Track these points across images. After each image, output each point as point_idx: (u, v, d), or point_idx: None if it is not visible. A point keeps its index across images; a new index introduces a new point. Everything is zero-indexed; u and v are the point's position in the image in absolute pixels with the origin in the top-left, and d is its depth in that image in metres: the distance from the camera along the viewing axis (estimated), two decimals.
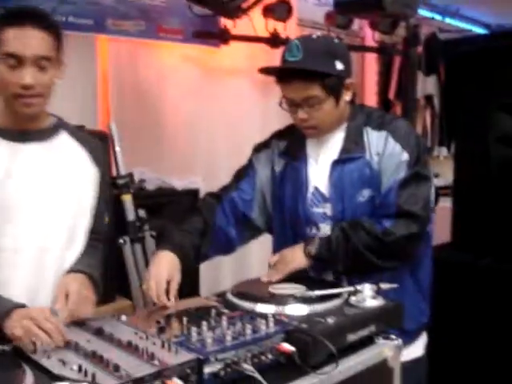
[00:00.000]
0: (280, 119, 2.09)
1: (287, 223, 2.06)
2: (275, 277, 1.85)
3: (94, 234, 1.84)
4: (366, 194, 1.91)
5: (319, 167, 2.00)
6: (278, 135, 2.14)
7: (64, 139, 1.81)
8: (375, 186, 1.91)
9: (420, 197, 1.88)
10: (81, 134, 1.89)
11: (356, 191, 1.91)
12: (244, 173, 2.12)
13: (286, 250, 1.92)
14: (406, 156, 1.88)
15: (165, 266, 1.80)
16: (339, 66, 1.87)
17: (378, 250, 1.84)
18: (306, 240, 1.91)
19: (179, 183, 3.57)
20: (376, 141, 1.92)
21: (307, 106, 1.88)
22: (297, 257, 1.88)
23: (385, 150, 1.90)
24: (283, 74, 1.89)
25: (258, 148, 2.15)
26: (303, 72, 1.83)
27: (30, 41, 1.61)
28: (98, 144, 1.93)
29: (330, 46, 1.90)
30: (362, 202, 1.91)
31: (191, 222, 2.03)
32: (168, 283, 1.75)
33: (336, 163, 1.95)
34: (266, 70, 1.93)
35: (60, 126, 1.82)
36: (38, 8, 1.74)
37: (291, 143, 2.07)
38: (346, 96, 1.93)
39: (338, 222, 1.93)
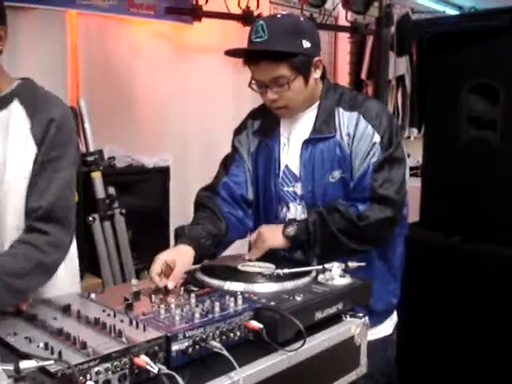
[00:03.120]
0: (253, 97, 2.08)
1: (260, 202, 2.06)
2: (254, 255, 1.85)
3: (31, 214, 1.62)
4: (336, 174, 1.91)
5: (291, 146, 2.00)
6: (253, 115, 2.13)
7: (13, 110, 1.67)
8: (346, 167, 1.91)
9: (394, 180, 1.89)
10: (38, 105, 1.71)
11: (326, 171, 1.92)
12: (231, 158, 2.11)
13: (264, 229, 1.91)
14: (377, 138, 1.88)
15: (171, 251, 1.76)
16: (306, 44, 1.85)
17: (354, 234, 1.85)
18: (286, 222, 1.92)
19: (149, 161, 3.54)
20: (347, 121, 1.92)
21: (276, 87, 1.86)
22: (275, 236, 1.87)
23: (356, 131, 1.90)
24: (250, 56, 1.87)
25: (238, 130, 2.14)
26: (270, 53, 1.81)
27: None
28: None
29: (296, 24, 1.88)
30: (332, 182, 1.92)
31: (199, 215, 1.98)
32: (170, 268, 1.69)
33: (306, 143, 1.94)
34: (232, 53, 1.91)
35: (16, 94, 1.69)
36: None
37: (265, 122, 2.07)
38: (315, 74, 1.92)
39: (307, 201, 1.94)
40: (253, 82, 1.91)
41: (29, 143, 1.62)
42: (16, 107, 1.67)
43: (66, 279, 1.75)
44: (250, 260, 1.83)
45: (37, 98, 1.69)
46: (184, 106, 4.05)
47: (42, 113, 1.65)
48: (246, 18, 4.06)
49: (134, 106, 3.79)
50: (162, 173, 3.55)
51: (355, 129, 1.90)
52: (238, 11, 4.10)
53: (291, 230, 1.86)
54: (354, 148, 1.90)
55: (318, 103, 1.98)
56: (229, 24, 4.12)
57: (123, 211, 3.29)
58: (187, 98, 4.05)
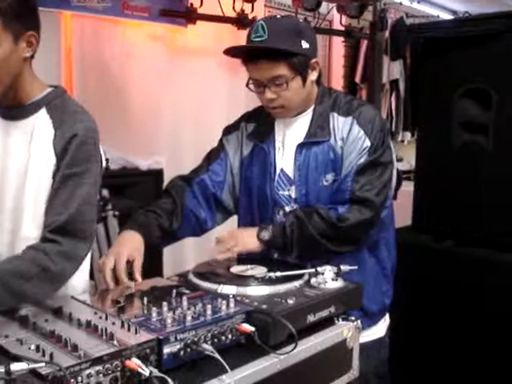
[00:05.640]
0: (247, 100, 2.09)
1: (254, 206, 2.07)
2: (225, 255, 1.84)
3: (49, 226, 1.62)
4: (329, 177, 1.92)
5: (285, 150, 2.00)
6: (247, 118, 2.14)
7: (40, 118, 1.68)
8: (338, 170, 1.92)
9: (376, 183, 1.90)
10: (65, 117, 1.68)
11: (320, 175, 1.93)
12: (215, 155, 2.12)
13: (237, 230, 1.93)
14: (368, 143, 1.90)
15: (127, 245, 1.79)
16: (305, 44, 1.87)
17: (333, 236, 1.86)
18: (260, 225, 1.92)
19: (143, 163, 3.54)
20: (342, 126, 1.93)
21: (274, 86, 1.87)
22: (249, 240, 1.88)
23: (349, 135, 1.91)
24: (249, 55, 1.89)
25: (228, 130, 2.15)
26: (269, 52, 1.83)
27: None
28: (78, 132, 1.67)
29: (295, 25, 1.90)
30: (326, 185, 1.93)
31: (159, 203, 2.02)
32: (130, 263, 1.74)
33: (301, 146, 1.95)
34: (231, 51, 1.92)
35: (45, 102, 1.69)
36: None
37: (259, 126, 2.07)
38: (312, 75, 1.94)
39: (301, 205, 1.95)
40: (250, 81, 1.92)
41: (50, 154, 1.63)
42: (43, 116, 1.68)
43: (77, 290, 1.74)
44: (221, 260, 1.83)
45: (64, 110, 1.69)
46: (178, 108, 4.04)
47: (66, 126, 1.65)
48: (241, 21, 4.06)
49: (128, 108, 3.78)
50: (156, 175, 3.54)
51: (348, 133, 1.91)
52: (232, 14, 4.10)
53: (266, 235, 1.87)
54: (345, 152, 1.91)
55: (312, 107, 1.98)
56: (223, 27, 4.12)
57: (116, 213, 3.29)
58: (181, 100, 4.05)
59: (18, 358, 1.16)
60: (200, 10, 3.93)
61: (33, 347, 1.22)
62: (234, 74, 4.04)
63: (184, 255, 4.08)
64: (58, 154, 1.63)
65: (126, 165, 3.51)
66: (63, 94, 1.74)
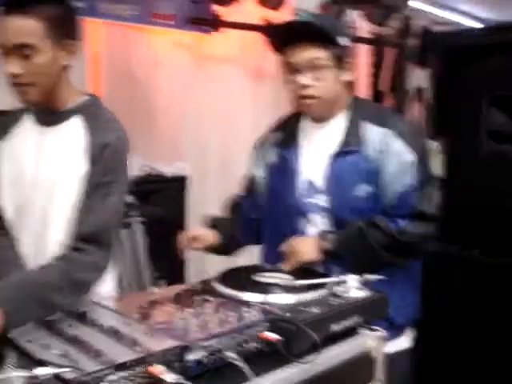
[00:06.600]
0: (271, 107, 2.09)
1: (277, 213, 2.06)
2: (287, 267, 1.84)
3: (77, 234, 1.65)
4: (363, 189, 1.90)
5: (312, 158, 1.99)
6: (273, 128, 2.16)
7: (73, 125, 1.71)
8: (374, 182, 1.90)
9: (432, 198, 1.92)
10: (98, 126, 1.70)
11: (353, 185, 1.91)
12: (251, 181, 2.19)
13: (297, 241, 1.91)
14: (411, 157, 1.89)
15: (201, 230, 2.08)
16: (345, 42, 1.89)
17: (393, 249, 1.86)
18: (321, 234, 1.91)
19: (167, 170, 3.56)
20: (376, 137, 1.91)
21: (310, 71, 1.87)
22: (309, 250, 1.87)
23: (388, 148, 1.89)
24: (290, 36, 1.88)
25: (255, 147, 2.19)
26: (312, 34, 1.84)
27: (9, 29, 1.59)
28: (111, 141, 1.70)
29: (339, 22, 1.95)
30: (360, 196, 1.90)
31: (230, 215, 2.18)
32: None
33: (333, 155, 1.94)
34: (274, 30, 1.95)
35: (79, 110, 1.73)
36: None
37: (284, 134, 2.08)
38: (346, 75, 1.94)
39: (334, 215, 1.93)
40: (284, 67, 1.92)
41: (81, 161, 1.66)
42: (76, 123, 1.71)
43: (102, 296, 1.76)
44: (277, 271, 1.82)
45: (98, 118, 1.72)
46: (202, 115, 4.06)
47: (99, 135, 1.68)
48: (266, 28, 4.07)
49: (154, 114, 3.82)
50: (180, 182, 3.56)
51: (386, 146, 1.89)
52: (258, 22, 4.11)
53: (328, 244, 1.86)
54: (381, 164, 1.89)
55: (343, 114, 1.97)
56: (248, 35, 4.14)
57: (141, 220, 3.31)
58: (206, 107, 4.07)
59: (42, 363, 1.17)
60: (225, 18, 3.95)
61: (57, 352, 1.22)
62: (260, 81, 4.06)
63: (207, 262, 4.08)
64: (89, 162, 1.66)
65: (150, 171, 3.53)
66: (97, 103, 1.78)
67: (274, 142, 2.09)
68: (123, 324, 1.38)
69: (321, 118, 1.99)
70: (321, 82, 1.89)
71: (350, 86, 1.99)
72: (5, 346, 1.28)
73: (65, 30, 1.66)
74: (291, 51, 1.88)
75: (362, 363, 1.58)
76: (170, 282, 1.76)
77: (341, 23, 1.99)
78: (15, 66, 1.60)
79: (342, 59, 1.90)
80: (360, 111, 1.97)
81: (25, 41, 1.59)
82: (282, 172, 2.04)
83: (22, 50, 1.59)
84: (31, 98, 1.66)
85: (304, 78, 1.88)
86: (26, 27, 1.58)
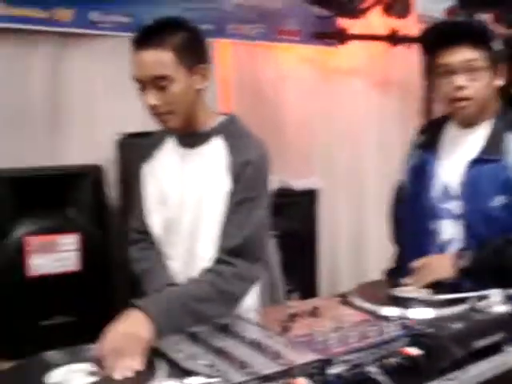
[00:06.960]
0: (399, 119, 2.08)
1: (410, 215, 2.06)
2: (418, 283, 1.81)
3: (224, 248, 1.71)
4: (500, 199, 1.85)
5: (451, 163, 1.96)
6: (420, 130, 2.17)
7: (214, 146, 1.77)
8: (510, 192, 1.85)
9: None
10: (239, 144, 1.76)
11: (489, 194, 1.86)
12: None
13: (431, 258, 1.89)
14: None
15: None
16: (498, 44, 1.89)
17: None
18: (457, 252, 1.88)
19: (298, 184, 3.59)
20: None
21: (464, 73, 1.86)
22: (443, 267, 1.84)
23: None
24: (448, 38, 1.89)
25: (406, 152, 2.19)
26: (469, 35, 1.85)
27: (143, 64, 1.67)
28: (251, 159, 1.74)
29: (489, 28, 1.93)
30: (496, 206, 1.85)
31: None
32: None
33: (473, 162, 1.90)
34: (429, 30, 1.98)
35: (219, 130, 1.79)
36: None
37: (428, 137, 2.08)
38: (497, 80, 1.91)
39: (469, 222, 1.90)
40: (437, 69, 1.92)
41: (225, 179, 1.73)
42: (218, 142, 1.77)
43: (248, 309, 1.80)
44: (407, 285, 1.81)
45: (238, 137, 1.79)
46: (330, 128, 4.08)
47: (241, 152, 1.74)
48: (393, 38, 4.03)
49: (283, 130, 3.87)
50: (310, 196, 3.58)
51: None
52: (383, 33, 4.08)
53: (465, 262, 1.83)
54: None
55: (488, 122, 1.94)
56: (374, 46, 4.11)
57: (275, 233, 3.35)
58: (333, 120, 4.08)
59: (190, 373, 1.22)
60: (350, 30, 3.95)
61: (204, 362, 1.27)
62: (386, 93, 4.01)
63: (339, 274, 4.09)
64: (232, 179, 1.72)
65: (281, 185, 3.59)
66: (235, 121, 1.84)
67: (418, 144, 2.09)
68: (265, 336, 1.41)
69: (468, 123, 1.96)
70: (476, 83, 1.87)
71: (498, 92, 1.95)
72: (156, 356, 1.35)
73: (195, 55, 1.73)
74: (446, 52, 1.88)
75: (507, 382, 1.52)
76: (303, 296, 1.78)
77: (492, 30, 1.95)
78: (153, 98, 1.69)
79: (496, 63, 1.89)
80: (506, 120, 1.93)
81: (159, 73, 1.67)
82: (421, 174, 2.03)
83: (157, 82, 1.67)
84: (172, 125, 1.75)
85: (460, 79, 1.87)
86: (159, 60, 1.66)
